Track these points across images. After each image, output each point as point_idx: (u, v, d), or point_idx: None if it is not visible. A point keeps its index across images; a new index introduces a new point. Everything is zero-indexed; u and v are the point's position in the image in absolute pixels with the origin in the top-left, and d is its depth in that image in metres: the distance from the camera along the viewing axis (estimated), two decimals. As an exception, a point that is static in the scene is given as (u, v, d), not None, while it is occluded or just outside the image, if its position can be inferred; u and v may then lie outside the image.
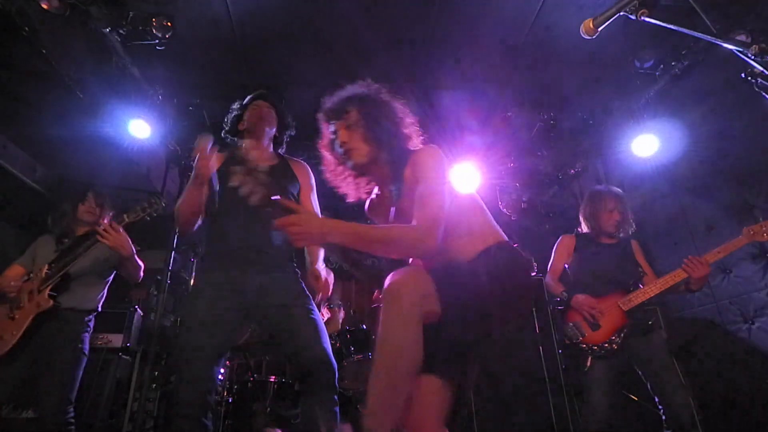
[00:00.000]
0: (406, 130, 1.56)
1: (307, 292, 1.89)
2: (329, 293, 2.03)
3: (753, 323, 2.98)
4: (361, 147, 1.48)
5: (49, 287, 2.22)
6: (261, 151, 2.10)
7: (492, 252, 1.36)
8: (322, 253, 2.01)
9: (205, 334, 1.70)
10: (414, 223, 1.29)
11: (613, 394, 2.28)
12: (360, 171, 1.54)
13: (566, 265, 2.69)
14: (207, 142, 1.77)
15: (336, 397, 1.72)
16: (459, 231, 1.37)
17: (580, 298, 2.37)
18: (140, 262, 2.49)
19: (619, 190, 2.70)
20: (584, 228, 2.73)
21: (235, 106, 2.24)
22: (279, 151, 2.23)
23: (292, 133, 2.27)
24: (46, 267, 2.29)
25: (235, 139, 2.20)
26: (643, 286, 2.37)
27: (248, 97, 2.21)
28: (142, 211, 2.32)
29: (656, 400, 2.27)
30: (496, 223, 1.50)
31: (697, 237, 3.41)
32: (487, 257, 1.34)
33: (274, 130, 2.15)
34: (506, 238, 1.46)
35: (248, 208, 1.86)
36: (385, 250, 1.31)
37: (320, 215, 2.10)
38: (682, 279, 2.24)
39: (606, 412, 2.20)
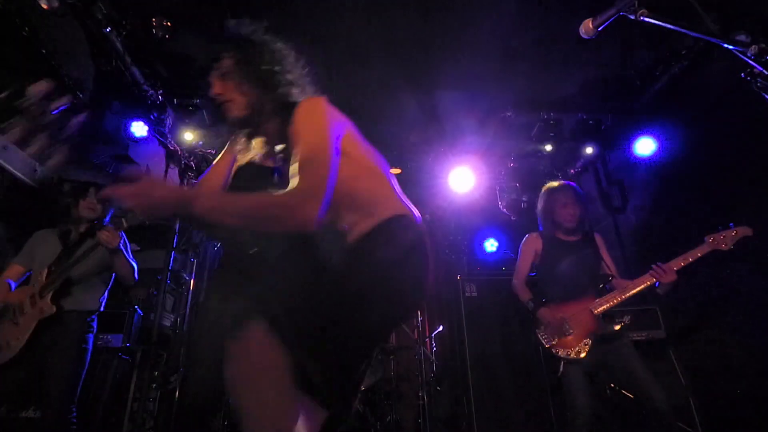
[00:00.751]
0: (291, 77, 1.30)
1: None
2: None
3: (753, 322, 2.98)
4: (238, 98, 1.28)
5: (51, 293, 2.22)
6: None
7: (383, 231, 1.11)
8: None
9: (214, 336, 1.71)
10: (291, 188, 1.05)
11: (593, 395, 2.29)
12: (242, 127, 1.32)
13: (533, 264, 2.66)
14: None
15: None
16: (348, 202, 1.14)
17: (544, 313, 2.37)
18: (133, 262, 2.48)
19: (573, 184, 2.67)
20: (542, 225, 2.69)
21: None
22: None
23: None
24: (47, 271, 2.29)
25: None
26: (609, 287, 2.38)
27: None
28: (141, 215, 2.32)
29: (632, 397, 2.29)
30: (398, 192, 1.24)
31: (697, 237, 3.40)
32: (375, 239, 1.10)
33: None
34: (407, 211, 1.20)
35: None
36: (255, 223, 1.06)
37: None
38: (650, 284, 2.26)
39: (590, 413, 2.22)
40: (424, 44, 3.29)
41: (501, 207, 4.68)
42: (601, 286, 2.40)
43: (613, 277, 2.45)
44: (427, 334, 4.42)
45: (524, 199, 4.69)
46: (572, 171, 4.59)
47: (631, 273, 2.50)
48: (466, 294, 4.10)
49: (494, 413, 3.62)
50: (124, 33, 2.95)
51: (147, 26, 2.89)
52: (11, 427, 2.43)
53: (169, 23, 2.87)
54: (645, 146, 3.70)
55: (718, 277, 3.22)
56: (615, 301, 2.30)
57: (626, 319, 2.34)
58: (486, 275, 4.32)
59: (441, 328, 4.11)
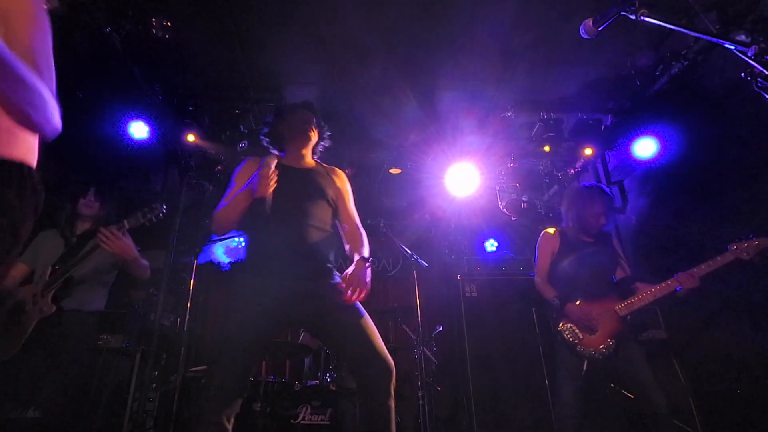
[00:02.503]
0: None
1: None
2: (357, 292, 1.76)
3: (754, 322, 2.98)
4: None
5: (53, 292, 2.23)
6: (302, 157, 2.11)
7: None
8: (365, 248, 1.96)
9: (243, 340, 1.71)
10: None
11: (586, 392, 2.30)
12: None
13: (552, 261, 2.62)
14: (273, 162, 1.80)
15: (390, 399, 1.68)
16: None
17: (573, 308, 2.36)
18: (146, 262, 2.51)
19: (607, 189, 2.63)
20: (566, 223, 2.66)
21: (273, 115, 2.23)
22: (315, 157, 2.23)
23: (327, 142, 2.25)
24: (49, 270, 2.29)
25: (271, 146, 2.19)
26: (632, 289, 2.38)
27: (290, 106, 2.20)
28: (142, 217, 2.37)
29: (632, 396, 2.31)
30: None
31: (697, 238, 3.41)
32: None
33: (316, 138, 2.15)
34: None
35: (287, 213, 1.86)
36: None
37: (359, 223, 2.08)
38: (673, 289, 2.28)
39: (580, 409, 2.24)
40: (424, 44, 3.29)
41: (501, 207, 4.68)
42: (627, 288, 2.40)
43: (634, 279, 2.45)
44: (427, 334, 4.42)
45: (524, 199, 4.69)
46: (572, 171, 4.59)
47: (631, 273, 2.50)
48: (466, 294, 4.10)
49: (494, 413, 3.62)
50: (124, 33, 2.95)
51: (147, 26, 2.88)
52: (11, 427, 2.44)
53: (169, 23, 2.87)
54: (645, 147, 3.71)
55: (719, 277, 3.22)
56: (641, 303, 2.31)
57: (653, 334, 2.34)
58: (486, 275, 4.31)
59: (441, 328, 4.11)
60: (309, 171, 2.06)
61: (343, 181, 2.13)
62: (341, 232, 2.08)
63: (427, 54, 3.39)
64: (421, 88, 3.78)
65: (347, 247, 2.02)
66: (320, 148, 2.23)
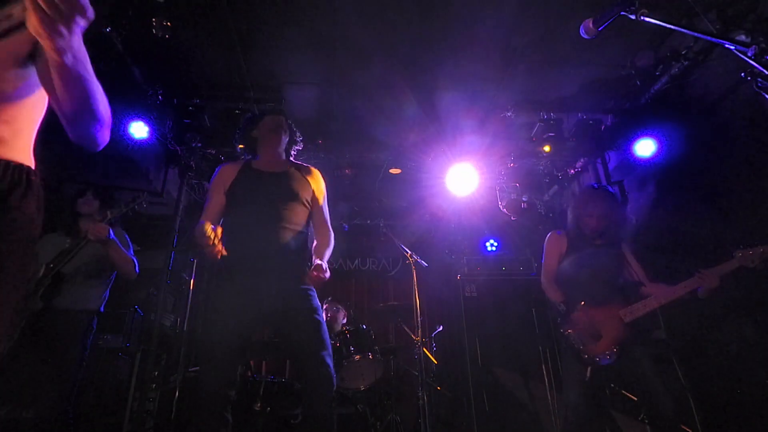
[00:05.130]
0: None
1: (317, 302, 1.89)
2: (317, 282, 1.89)
3: (754, 322, 2.98)
4: None
5: (42, 289, 2.23)
6: (275, 159, 2.13)
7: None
8: (329, 249, 2.04)
9: (225, 336, 1.76)
10: None
11: (592, 396, 2.30)
12: None
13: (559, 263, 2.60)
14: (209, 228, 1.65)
15: (330, 409, 1.72)
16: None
17: (578, 317, 2.34)
18: (130, 256, 2.52)
19: (612, 191, 2.60)
20: (569, 226, 2.65)
21: (245, 121, 2.28)
22: (290, 159, 2.26)
23: (299, 145, 2.29)
24: (43, 269, 2.30)
25: (245, 150, 2.23)
26: (639, 295, 2.36)
27: (261, 112, 2.25)
28: (125, 206, 2.45)
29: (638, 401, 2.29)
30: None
31: (697, 237, 3.41)
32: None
33: (287, 140, 2.19)
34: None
35: (260, 216, 1.88)
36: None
37: (329, 223, 2.11)
38: (692, 289, 2.22)
39: (586, 413, 2.23)
40: (424, 44, 3.29)
41: (501, 207, 4.68)
42: (631, 293, 2.37)
43: (642, 284, 2.41)
44: (427, 334, 4.42)
45: (524, 199, 4.68)
46: (572, 171, 4.58)
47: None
48: (466, 294, 4.11)
49: (494, 413, 3.62)
50: (124, 33, 2.95)
51: (147, 26, 2.88)
52: (5, 428, 2.44)
53: (169, 23, 2.87)
54: (645, 146, 3.71)
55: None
56: (647, 309, 2.28)
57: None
58: (486, 275, 4.32)
59: (441, 328, 4.11)
60: (282, 174, 2.08)
61: (317, 181, 2.15)
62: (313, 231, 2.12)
63: (427, 54, 3.39)
64: (421, 88, 3.78)
65: (314, 245, 2.06)
66: (294, 151, 2.26)
